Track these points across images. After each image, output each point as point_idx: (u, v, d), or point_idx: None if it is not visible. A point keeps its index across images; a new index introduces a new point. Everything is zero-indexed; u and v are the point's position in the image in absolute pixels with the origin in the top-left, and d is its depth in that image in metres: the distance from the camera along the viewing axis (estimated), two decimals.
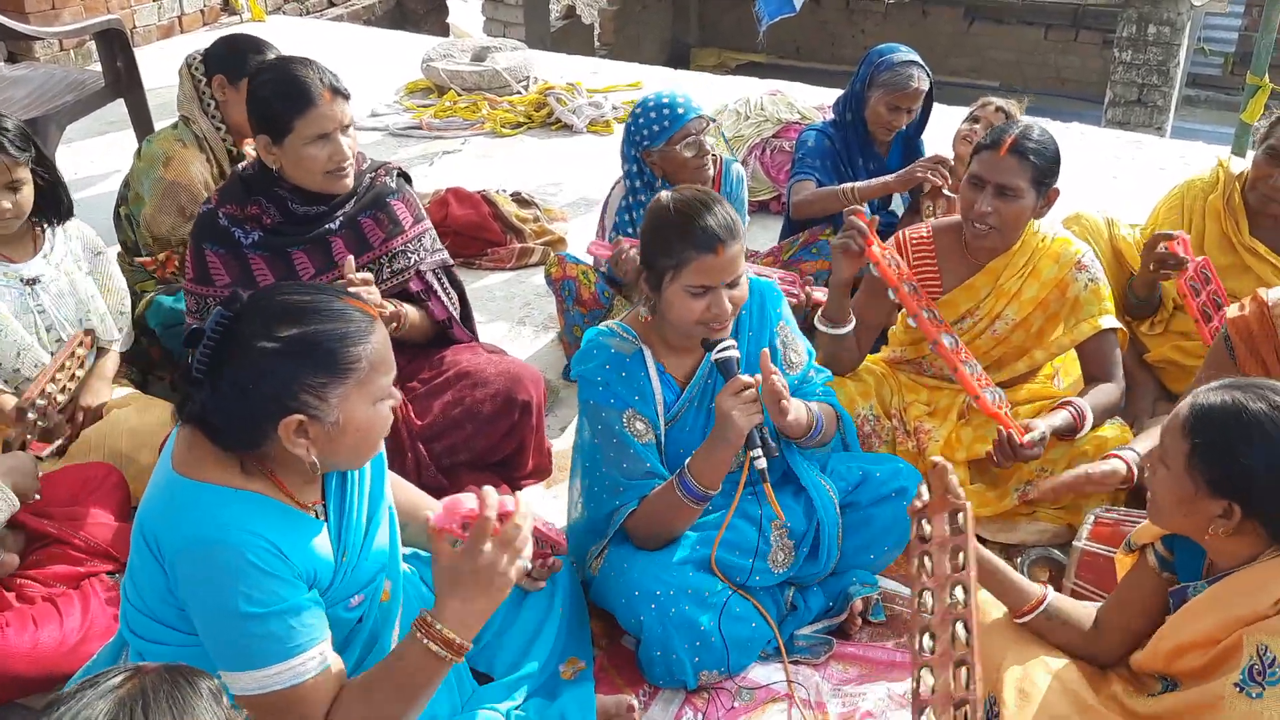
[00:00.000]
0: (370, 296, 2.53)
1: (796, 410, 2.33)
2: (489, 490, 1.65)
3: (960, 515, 1.93)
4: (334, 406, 1.64)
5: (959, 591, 1.84)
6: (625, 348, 2.37)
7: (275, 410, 1.62)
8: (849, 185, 3.53)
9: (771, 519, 2.39)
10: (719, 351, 2.26)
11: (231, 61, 3.23)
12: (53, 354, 2.82)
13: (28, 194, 2.74)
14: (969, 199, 2.72)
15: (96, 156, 5.20)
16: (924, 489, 2.01)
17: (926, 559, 1.93)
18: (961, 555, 1.88)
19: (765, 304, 2.49)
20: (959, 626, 1.80)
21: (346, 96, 2.61)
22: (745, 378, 2.20)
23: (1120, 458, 2.61)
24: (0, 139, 2.66)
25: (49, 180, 2.81)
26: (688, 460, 2.27)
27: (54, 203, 2.85)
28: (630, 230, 3.42)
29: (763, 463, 2.22)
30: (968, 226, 2.76)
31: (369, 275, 2.60)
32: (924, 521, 1.97)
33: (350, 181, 2.67)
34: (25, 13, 6.00)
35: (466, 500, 1.67)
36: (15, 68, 4.80)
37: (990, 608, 2.13)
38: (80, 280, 2.90)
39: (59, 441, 2.78)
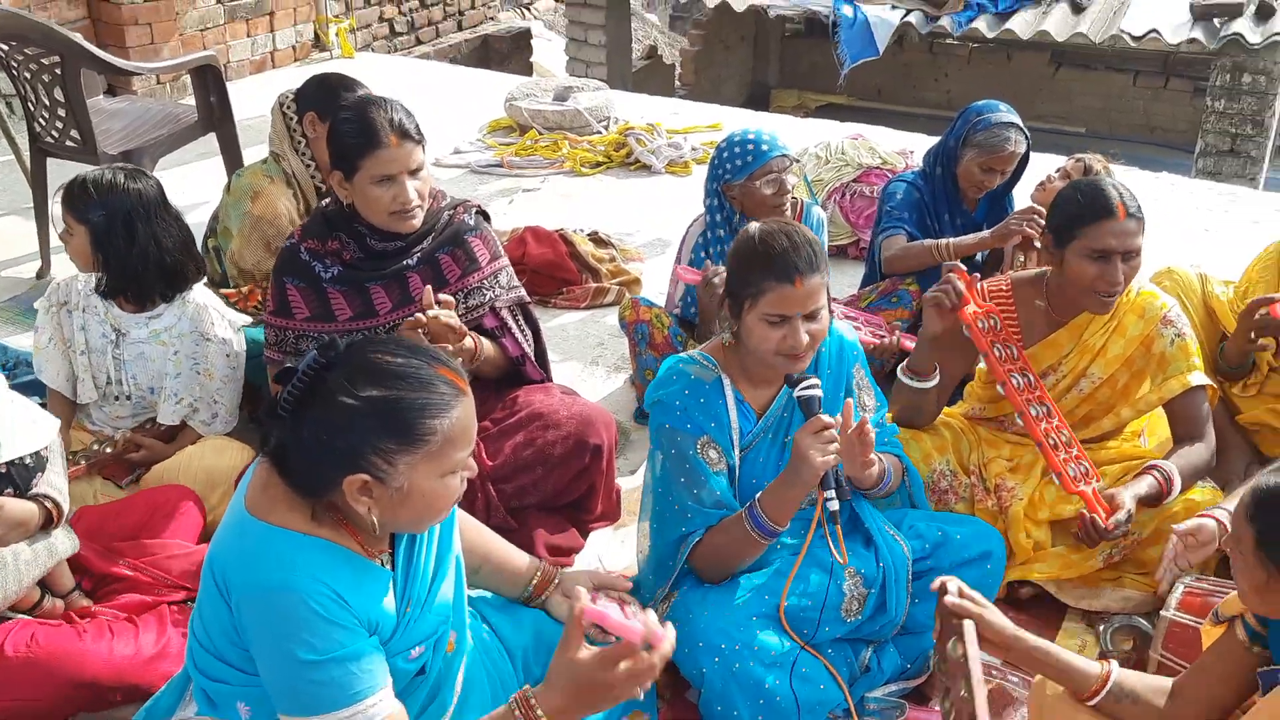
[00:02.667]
0: (450, 319, 2.55)
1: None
2: (652, 618, 1.64)
3: (956, 640, 1.87)
4: (400, 473, 1.64)
5: None
6: (705, 374, 2.38)
7: (344, 465, 1.63)
8: (945, 241, 3.46)
9: (844, 566, 2.35)
10: (802, 389, 2.27)
11: (322, 99, 3.29)
12: (116, 399, 2.91)
13: (74, 246, 2.84)
14: (1093, 272, 2.60)
15: (188, 188, 5.33)
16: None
17: (947, 692, 1.88)
18: (964, 684, 1.82)
19: (844, 347, 2.49)
20: None
21: (418, 140, 2.62)
22: (826, 418, 2.20)
23: (1212, 516, 2.50)
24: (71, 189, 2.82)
25: (135, 266, 2.80)
26: (759, 495, 2.26)
27: (127, 282, 2.83)
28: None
29: (835, 505, 2.22)
30: (1092, 299, 2.65)
31: (450, 299, 2.62)
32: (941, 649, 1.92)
33: (417, 223, 2.69)
34: (126, 47, 6.22)
35: (630, 618, 1.65)
36: (114, 101, 4.95)
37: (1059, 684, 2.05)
38: (164, 357, 2.88)
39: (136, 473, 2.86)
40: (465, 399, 1.69)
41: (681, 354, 2.46)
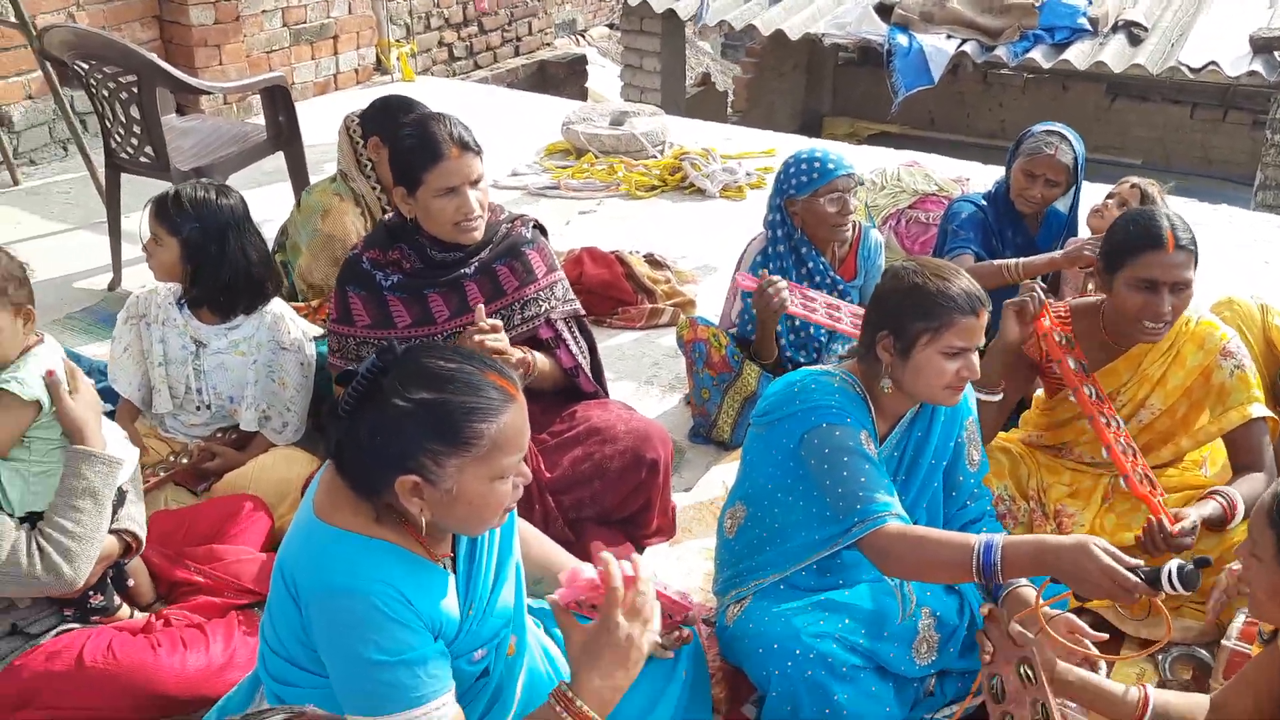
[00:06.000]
0: (497, 343, 2.59)
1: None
2: (610, 560, 1.67)
3: (1026, 665, 1.87)
4: (449, 475, 1.67)
5: None
6: (849, 386, 2.33)
7: (396, 466, 1.67)
8: (1015, 261, 3.46)
9: (920, 605, 2.35)
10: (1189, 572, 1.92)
11: (383, 122, 3.37)
12: (196, 408, 2.99)
13: (161, 257, 2.90)
14: (1139, 302, 2.61)
15: (254, 206, 5.45)
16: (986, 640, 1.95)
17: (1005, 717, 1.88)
18: (1042, 708, 1.82)
19: (964, 397, 2.46)
20: None
21: (477, 152, 2.69)
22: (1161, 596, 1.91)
23: None
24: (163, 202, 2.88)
25: (225, 278, 2.90)
26: (1007, 541, 2.05)
27: (216, 294, 2.93)
28: None
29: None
30: (1138, 327, 2.65)
31: (499, 322, 2.67)
32: (995, 679, 1.91)
33: (479, 234, 2.75)
34: (195, 68, 6.37)
35: (585, 570, 1.69)
36: (185, 120, 5.07)
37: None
38: (243, 365, 2.96)
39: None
40: (515, 405, 1.71)
41: (813, 368, 2.40)
